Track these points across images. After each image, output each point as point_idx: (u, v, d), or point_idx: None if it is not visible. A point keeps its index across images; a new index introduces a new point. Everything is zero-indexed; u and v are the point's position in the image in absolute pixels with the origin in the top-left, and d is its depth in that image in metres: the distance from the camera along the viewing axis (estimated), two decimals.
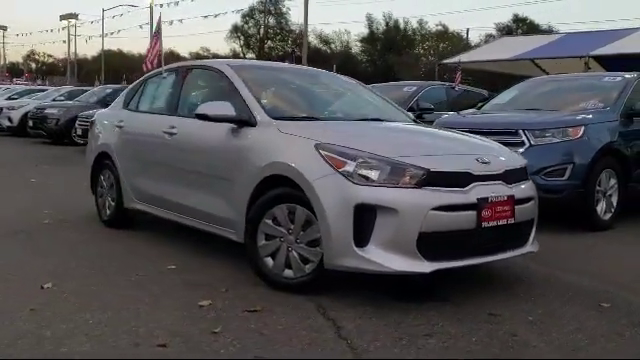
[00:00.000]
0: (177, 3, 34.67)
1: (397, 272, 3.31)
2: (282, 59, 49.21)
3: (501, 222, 3.57)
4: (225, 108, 4.07)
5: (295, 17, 70.34)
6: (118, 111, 5.67)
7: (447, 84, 10.91)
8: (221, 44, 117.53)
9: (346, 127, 4.14)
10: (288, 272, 3.65)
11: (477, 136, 4.35)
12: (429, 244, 3.32)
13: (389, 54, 50.26)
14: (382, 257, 3.29)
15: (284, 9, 57.41)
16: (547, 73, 14.44)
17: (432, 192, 3.36)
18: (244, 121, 4.06)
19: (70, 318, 3.14)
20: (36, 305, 3.32)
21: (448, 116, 7.17)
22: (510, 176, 3.75)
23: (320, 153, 3.51)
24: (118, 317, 3.17)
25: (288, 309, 3.34)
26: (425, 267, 3.32)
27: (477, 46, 50.26)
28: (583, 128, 6.02)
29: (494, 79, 17.56)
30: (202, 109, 4.12)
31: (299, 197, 3.57)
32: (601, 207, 6.07)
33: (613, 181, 6.20)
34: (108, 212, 5.56)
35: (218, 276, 3.97)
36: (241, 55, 58.56)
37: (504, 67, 13.18)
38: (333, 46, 57.00)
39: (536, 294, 3.78)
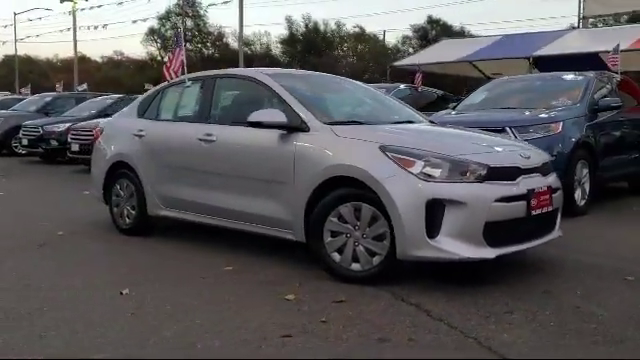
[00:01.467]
0: (100, 6, 33.46)
1: (466, 259, 3.68)
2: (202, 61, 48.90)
3: (543, 210, 4.03)
4: (277, 115, 4.31)
5: (213, 19, 69.85)
6: (133, 120, 5.72)
7: (407, 85, 11.48)
8: (137, 48, 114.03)
9: (396, 130, 4.46)
10: (355, 265, 3.94)
11: (497, 134, 4.81)
12: (491, 232, 3.71)
13: (310, 55, 50.89)
14: (452, 246, 3.66)
15: (202, 11, 56.75)
16: (485, 74, 15.38)
17: (493, 185, 3.77)
18: (295, 127, 4.31)
19: (177, 319, 3.30)
20: (132, 310, 3.46)
21: (436, 116, 7.62)
22: (545, 169, 4.23)
23: (387, 154, 3.84)
24: (223, 316, 3.36)
25: (370, 298, 3.64)
26: (490, 253, 3.72)
27: (396, 47, 51.97)
28: (562, 124, 6.67)
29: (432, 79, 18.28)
30: (255, 117, 4.34)
31: (364, 196, 3.87)
32: (577, 195, 6.73)
33: (585, 171, 6.90)
34: (128, 220, 5.62)
35: (281, 273, 4.21)
36: (159, 58, 57.46)
37: (447, 69, 13.94)
38: (253, 48, 56.89)
39: (567, 273, 4.27)
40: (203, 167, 4.89)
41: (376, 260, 3.89)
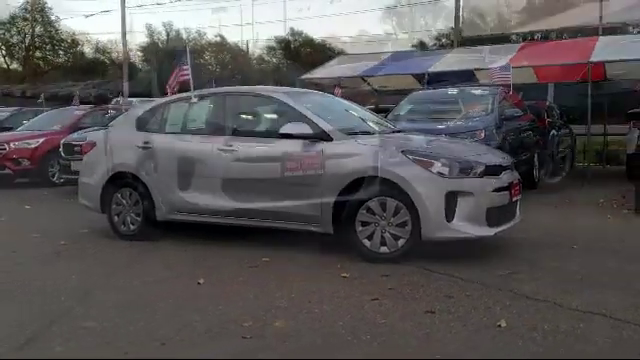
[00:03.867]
0: None
1: (476, 237, 4.78)
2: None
3: (516, 198, 5.24)
4: (304, 128, 5.13)
5: (66, 26, 66.36)
6: (133, 133, 6.15)
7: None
8: None
9: (403, 138, 5.46)
10: (384, 248, 4.87)
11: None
12: (490, 215, 4.83)
13: (172, 63, 50.52)
14: (464, 227, 4.72)
15: (53, 17, 53.91)
16: (373, 88, 16.90)
17: (489, 179, 4.89)
18: (319, 137, 5.14)
19: (273, 296, 4.02)
20: (229, 294, 4.10)
21: None
22: (512, 166, 5.45)
23: (408, 157, 4.82)
24: (309, 290, 4.13)
25: (407, 272, 4.59)
26: (490, 231, 4.85)
27: (261, 57, 53.07)
28: (484, 131, 8.07)
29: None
30: (286, 129, 5.14)
31: (389, 191, 4.82)
32: None
33: None
34: (132, 227, 6.06)
35: (315, 260, 5.01)
36: (5, 66, 53.68)
37: (346, 82, 15.23)
38: (111, 55, 55.09)
39: (529, 246, 5.49)
40: (224, 174, 5.51)
41: (400, 243, 4.84)
